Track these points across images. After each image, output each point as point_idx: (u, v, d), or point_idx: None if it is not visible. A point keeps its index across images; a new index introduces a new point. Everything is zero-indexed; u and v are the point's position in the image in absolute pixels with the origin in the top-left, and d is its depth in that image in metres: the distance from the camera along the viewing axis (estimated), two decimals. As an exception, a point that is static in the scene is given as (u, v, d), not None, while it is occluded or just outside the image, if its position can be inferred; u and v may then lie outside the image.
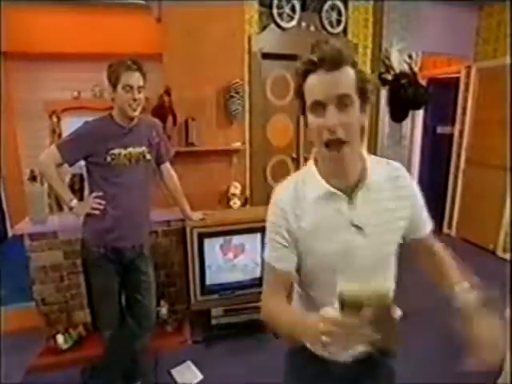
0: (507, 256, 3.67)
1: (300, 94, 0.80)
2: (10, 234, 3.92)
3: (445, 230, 4.46)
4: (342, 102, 0.74)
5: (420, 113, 4.74)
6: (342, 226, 0.84)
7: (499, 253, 3.74)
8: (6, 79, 3.82)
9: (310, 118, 0.79)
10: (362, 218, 0.84)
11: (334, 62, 0.73)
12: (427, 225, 0.95)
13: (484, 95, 3.89)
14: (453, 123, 4.30)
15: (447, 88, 4.35)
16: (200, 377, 2.10)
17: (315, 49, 0.76)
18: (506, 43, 3.54)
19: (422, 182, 4.94)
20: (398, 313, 0.89)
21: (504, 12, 3.54)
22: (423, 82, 4.53)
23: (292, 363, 1.05)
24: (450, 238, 4.33)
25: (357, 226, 0.83)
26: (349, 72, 0.75)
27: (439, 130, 4.64)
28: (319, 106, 0.76)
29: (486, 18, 3.75)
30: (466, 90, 4.08)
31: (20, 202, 3.88)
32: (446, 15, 3.62)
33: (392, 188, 0.87)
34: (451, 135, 4.32)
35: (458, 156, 4.26)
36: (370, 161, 0.86)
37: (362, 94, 0.77)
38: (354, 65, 0.76)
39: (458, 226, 4.32)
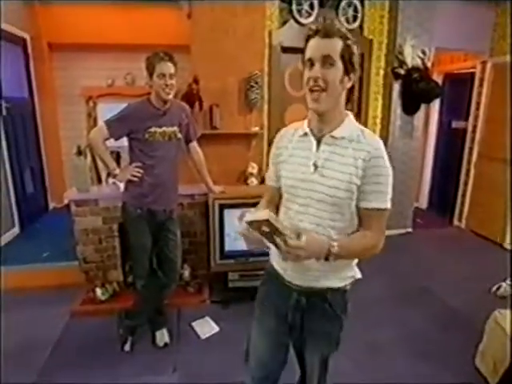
0: (514, 248, 3.78)
1: (303, 55, 1.03)
2: (50, 206, 4.34)
3: (455, 222, 4.57)
4: (326, 61, 0.97)
5: (436, 107, 4.85)
6: (306, 162, 1.08)
7: (507, 245, 3.83)
8: (49, 67, 4.20)
9: (305, 72, 1.02)
10: (321, 160, 1.05)
11: (326, 32, 0.97)
12: (374, 200, 1.04)
13: (498, 91, 3.93)
14: (467, 118, 4.35)
15: (463, 83, 4.41)
16: (216, 329, 2.42)
17: (319, 22, 1.04)
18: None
19: (435, 175, 5.06)
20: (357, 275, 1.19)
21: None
22: (439, 77, 4.65)
23: (262, 280, 1.33)
24: (460, 229, 4.44)
25: (316, 165, 1.06)
26: (337, 42, 0.98)
27: (454, 124, 4.69)
28: (310, 63, 1.00)
29: (502, 15, 3.82)
30: (481, 85, 4.13)
31: (59, 177, 4.31)
32: (462, 11, 3.71)
33: (352, 148, 1.03)
34: (465, 130, 4.38)
35: (471, 150, 4.32)
36: (349, 122, 1.07)
37: (346, 62, 0.99)
38: (344, 39, 0.98)
39: (467, 218, 4.41)
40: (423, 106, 3.83)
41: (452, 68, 4.61)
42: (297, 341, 1.25)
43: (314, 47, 0.99)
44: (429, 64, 3.66)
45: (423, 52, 3.59)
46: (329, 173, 1.04)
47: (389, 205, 1.06)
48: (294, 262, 1.01)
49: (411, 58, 3.54)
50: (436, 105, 4.79)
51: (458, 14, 3.71)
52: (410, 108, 3.75)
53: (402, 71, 3.54)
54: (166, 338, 2.25)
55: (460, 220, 4.52)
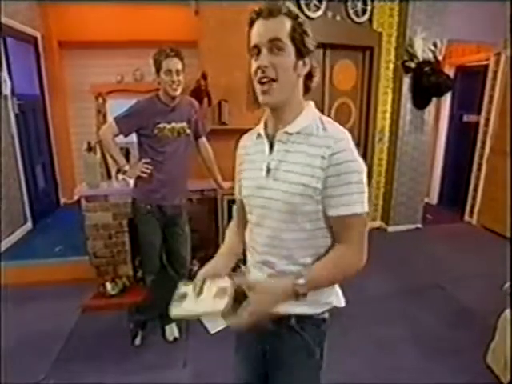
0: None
1: (249, 43, 0.88)
2: (61, 201, 4.41)
3: (466, 217, 4.51)
4: (274, 45, 0.81)
5: (447, 101, 4.77)
6: (261, 166, 0.92)
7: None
8: (60, 65, 4.24)
9: (252, 62, 0.86)
10: (274, 162, 0.90)
11: (269, 11, 0.82)
12: (344, 205, 0.84)
13: (512, 83, 3.87)
14: (479, 112, 4.27)
15: (475, 76, 4.32)
16: (224, 324, 2.44)
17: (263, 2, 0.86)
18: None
19: (446, 170, 4.99)
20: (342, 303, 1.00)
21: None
22: (451, 70, 4.56)
23: None
24: (471, 225, 4.38)
25: (268, 168, 0.90)
26: (284, 21, 0.82)
27: (465, 118, 4.62)
28: (256, 50, 0.84)
29: (509, 9, 3.71)
30: (494, 78, 4.03)
31: (69, 173, 4.37)
32: (475, 2, 3.62)
33: (309, 143, 0.86)
34: (477, 123, 4.30)
35: (483, 145, 4.24)
36: (307, 114, 0.90)
37: (298, 43, 0.83)
38: (292, 17, 0.83)
39: (479, 214, 4.34)
40: (434, 100, 3.76)
41: (464, 60, 4.52)
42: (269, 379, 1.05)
43: (259, 31, 0.83)
44: (440, 57, 3.59)
45: (434, 44, 3.53)
46: (282, 175, 0.88)
47: (365, 207, 0.85)
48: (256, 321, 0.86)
49: (422, 50, 3.48)
50: (447, 98, 4.70)
51: (471, 4, 3.62)
52: (420, 102, 3.69)
53: (412, 64, 3.48)
54: (176, 333, 2.28)
55: (471, 216, 4.45)
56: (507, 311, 1.96)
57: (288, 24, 0.82)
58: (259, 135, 0.96)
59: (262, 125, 0.97)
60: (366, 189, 0.86)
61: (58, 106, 4.27)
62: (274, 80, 0.83)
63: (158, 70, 1.87)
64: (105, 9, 3.98)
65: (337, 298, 0.99)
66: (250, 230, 1.01)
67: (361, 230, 0.88)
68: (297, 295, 0.84)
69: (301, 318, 0.94)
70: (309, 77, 0.90)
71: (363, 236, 0.88)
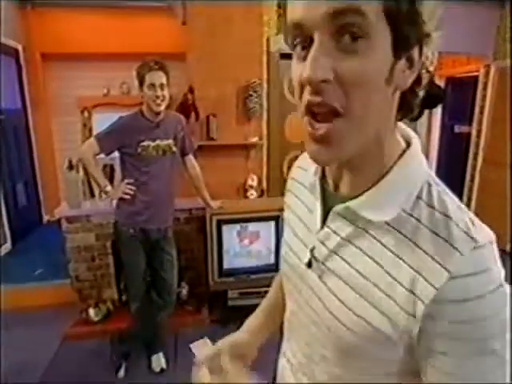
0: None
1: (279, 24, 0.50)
2: (45, 219, 4.23)
3: (460, 228, 4.47)
4: (344, 28, 0.36)
5: (438, 112, 4.77)
6: (304, 240, 0.55)
7: (514, 252, 3.74)
8: (42, 78, 4.11)
9: (292, 65, 0.43)
10: (323, 250, 0.50)
11: None
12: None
13: (503, 94, 3.87)
14: (470, 122, 4.27)
15: (465, 87, 4.34)
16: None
17: None
18: (526, 43, 3.55)
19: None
20: None
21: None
22: (441, 81, 4.56)
23: None
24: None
25: (313, 255, 0.51)
26: None
27: (456, 129, 4.63)
28: (303, 37, 0.39)
29: (506, 17, 3.75)
30: (485, 88, 4.05)
31: (53, 189, 4.21)
32: (465, 14, 3.63)
33: (391, 242, 0.44)
34: (469, 134, 4.29)
35: (475, 155, 4.23)
36: (404, 176, 0.45)
37: (402, 19, 0.38)
38: None
39: (473, 225, 4.33)
40: (425, 112, 3.72)
41: (454, 72, 4.54)
42: None
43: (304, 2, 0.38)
44: (431, 68, 3.56)
45: (425, 56, 3.50)
46: (332, 283, 0.49)
47: None
48: None
49: (413, 62, 3.45)
50: (438, 109, 4.71)
51: (460, 16, 3.62)
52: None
53: (404, 76, 3.45)
54: (163, 363, 2.13)
55: (466, 227, 4.41)
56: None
57: None
58: (313, 185, 0.54)
59: (313, 167, 0.54)
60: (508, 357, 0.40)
61: (41, 120, 4.12)
62: (339, 114, 0.39)
63: (141, 84, 1.77)
64: (90, 20, 3.88)
65: None
66: (286, 321, 0.65)
67: None
68: None
69: None
70: (412, 90, 0.45)
71: None
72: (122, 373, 2.08)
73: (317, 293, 0.51)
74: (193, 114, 2.64)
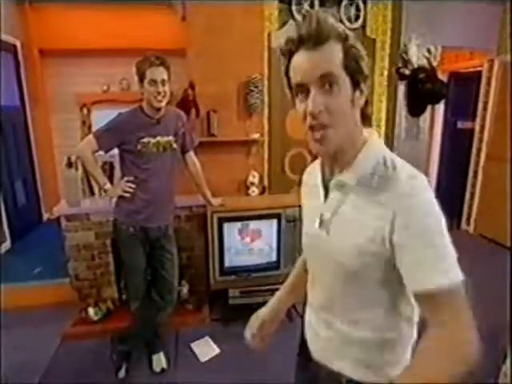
0: (525, 252, 3.65)
1: (288, 78, 0.72)
2: (44, 217, 4.20)
3: (463, 226, 4.44)
4: (326, 82, 0.65)
5: (440, 107, 4.71)
6: (315, 214, 0.80)
7: (518, 249, 3.72)
8: (41, 74, 4.07)
9: (297, 103, 0.71)
10: (327, 213, 0.76)
11: (315, 39, 0.64)
12: (421, 279, 0.64)
13: (506, 89, 3.83)
14: (473, 118, 4.24)
15: (469, 82, 4.29)
16: (217, 351, 2.27)
17: (299, 25, 0.67)
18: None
19: (441, 178, 4.92)
20: None
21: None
22: (445, 76, 4.51)
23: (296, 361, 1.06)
24: (468, 234, 4.31)
25: (321, 219, 0.77)
26: (333, 48, 0.65)
27: (459, 124, 4.58)
28: (303, 89, 0.68)
29: (509, 12, 3.70)
30: (488, 84, 4.02)
31: (53, 187, 4.18)
32: (468, 9, 3.58)
33: (365, 193, 0.71)
34: (472, 130, 4.27)
35: (478, 151, 4.21)
36: (365, 155, 0.73)
37: (354, 71, 0.67)
38: (341, 39, 0.66)
39: (476, 222, 4.29)
40: (428, 107, 3.69)
41: (457, 67, 4.49)
42: None
43: (303, 66, 0.67)
44: (435, 63, 3.52)
45: (429, 51, 3.46)
46: (335, 231, 0.75)
47: (454, 276, 0.64)
48: None
49: (416, 57, 3.41)
50: (441, 105, 4.65)
51: (464, 11, 3.59)
52: (415, 109, 3.61)
53: (407, 71, 3.40)
54: (164, 363, 2.11)
55: (468, 224, 4.39)
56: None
57: (339, 51, 0.66)
58: (316, 176, 0.83)
59: (318, 162, 0.85)
60: (451, 249, 0.65)
61: (39, 117, 4.08)
62: (328, 126, 0.68)
63: (141, 80, 1.73)
64: (88, 16, 3.84)
65: (396, 367, 0.79)
66: (308, 282, 0.91)
67: (453, 305, 0.65)
68: None
69: (349, 382, 0.80)
70: (366, 104, 0.73)
71: (460, 312, 0.65)
72: (122, 373, 2.06)
73: (325, 242, 0.77)
74: (193, 110, 2.61)
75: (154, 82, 1.70)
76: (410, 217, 0.64)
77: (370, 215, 0.68)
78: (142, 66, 1.71)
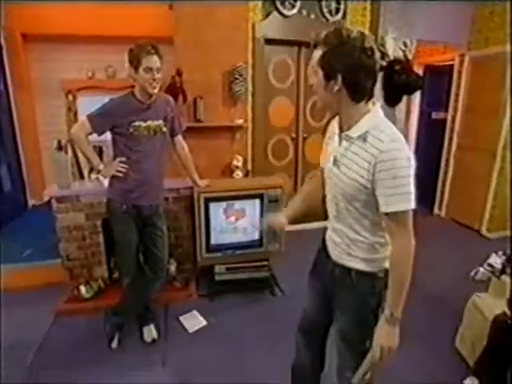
0: (491, 235, 3.94)
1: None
2: (30, 203, 4.21)
3: (436, 210, 4.70)
4: (312, 70, 1.07)
5: (416, 98, 4.94)
6: (332, 153, 1.18)
7: (484, 232, 3.99)
8: (25, 59, 4.03)
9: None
10: (339, 155, 1.13)
11: (314, 44, 1.05)
12: (384, 205, 1.02)
13: (475, 83, 4.05)
14: (447, 109, 4.46)
15: (442, 75, 4.50)
16: (204, 323, 2.43)
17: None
18: (498, 33, 3.71)
19: (417, 165, 5.13)
20: None
21: (495, 3, 3.70)
22: (420, 69, 4.72)
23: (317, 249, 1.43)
24: (441, 218, 4.58)
25: (335, 159, 1.15)
26: (318, 51, 1.03)
27: (434, 115, 4.80)
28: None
29: (480, 8, 3.91)
30: (459, 77, 4.23)
31: (38, 173, 4.19)
32: (441, 4, 3.77)
33: (362, 148, 1.05)
34: (445, 120, 4.49)
35: (450, 140, 4.43)
36: (366, 120, 1.06)
37: (326, 68, 1.02)
38: (324, 45, 1.01)
39: (447, 207, 4.56)
40: (404, 98, 3.87)
41: (432, 60, 4.69)
42: (331, 307, 1.33)
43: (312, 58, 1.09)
44: (410, 56, 3.71)
45: (405, 44, 3.64)
46: (342, 168, 1.12)
47: (412, 204, 0.99)
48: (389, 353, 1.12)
49: (393, 50, 3.59)
50: (417, 96, 4.88)
51: (437, 6, 3.77)
52: (391, 100, 3.74)
53: (384, 63, 3.56)
54: (154, 334, 2.25)
55: (440, 209, 4.65)
56: (474, 296, 2.08)
57: (319, 53, 1.03)
58: (335, 131, 1.20)
59: (337, 119, 1.21)
60: (408, 189, 0.99)
61: (24, 102, 4.05)
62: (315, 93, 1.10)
63: (136, 67, 1.80)
64: (74, 1, 3.81)
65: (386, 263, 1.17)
66: (326, 195, 1.28)
67: (401, 225, 1.03)
68: (395, 321, 1.08)
69: (359, 272, 1.18)
70: (351, 88, 1.03)
71: (404, 229, 1.04)
72: (115, 344, 2.19)
73: (336, 175, 1.14)
74: (180, 97, 2.70)
75: (150, 69, 1.79)
76: (385, 164, 0.99)
77: (362, 159, 1.04)
78: (139, 53, 1.78)
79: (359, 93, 1.04)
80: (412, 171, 0.99)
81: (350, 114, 1.07)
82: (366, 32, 1.04)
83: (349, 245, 1.18)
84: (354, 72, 1.00)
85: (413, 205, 1.00)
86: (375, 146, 1.00)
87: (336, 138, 1.17)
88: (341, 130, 1.15)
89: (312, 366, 1.52)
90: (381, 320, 1.11)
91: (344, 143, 1.11)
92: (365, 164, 1.03)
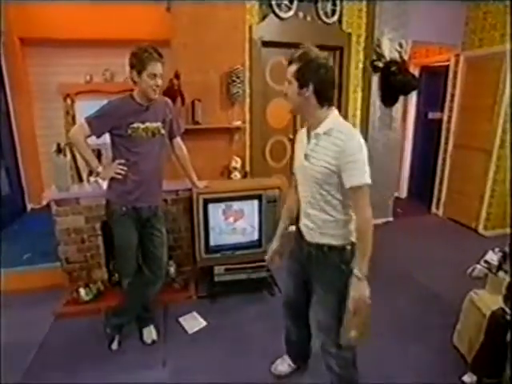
0: (487, 233, 3.96)
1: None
2: (28, 207, 4.21)
3: (433, 210, 4.73)
4: (287, 80, 1.35)
5: (413, 99, 4.98)
6: (302, 153, 1.46)
7: (480, 230, 4.02)
8: (22, 63, 4.05)
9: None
10: (309, 151, 1.41)
11: (290, 60, 1.35)
12: (348, 181, 1.30)
13: (470, 83, 4.08)
14: (442, 109, 4.50)
15: (438, 75, 4.54)
16: (204, 324, 2.44)
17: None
18: (492, 34, 3.75)
19: (414, 165, 5.20)
20: None
21: (490, 3, 3.74)
22: (416, 70, 4.77)
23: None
24: (438, 217, 4.60)
25: (306, 155, 1.42)
26: (294, 66, 1.32)
27: (430, 115, 4.84)
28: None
29: (473, 9, 3.95)
30: (455, 77, 4.26)
31: (36, 177, 4.20)
32: (436, 5, 3.81)
33: (327, 140, 1.34)
34: (441, 120, 4.53)
35: (446, 140, 4.46)
36: (329, 120, 1.36)
37: (300, 79, 1.30)
38: (300, 61, 1.30)
39: (445, 206, 4.58)
40: (401, 98, 3.92)
41: (428, 61, 4.74)
42: (311, 285, 1.58)
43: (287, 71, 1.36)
44: (406, 57, 3.75)
45: (400, 45, 3.67)
46: (313, 160, 1.39)
47: (362, 180, 1.28)
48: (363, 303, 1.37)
49: (389, 51, 3.62)
50: (413, 96, 4.92)
51: (432, 7, 3.81)
52: (388, 100, 3.84)
53: (380, 64, 3.61)
54: (154, 335, 2.26)
55: (438, 208, 4.68)
56: (471, 293, 2.10)
57: (294, 67, 1.31)
58: (303, 131, 1.49)
59: (305, 128, 1.49)
60: (364, 168, 1.28)
61: (22, 106, 4.06)
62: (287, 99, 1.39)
63: (139, 71, 1.81)
64: (71, 5, 3.82)
65: (353, 236, 1.42)
66: (299, 192, 1.55)
67: (361, 198, 1.32)
68: (363, 277, 1.34)
69: (330, 247, 1.44)
70: (318, 95, 1.32)
71: (363, 202, 1.32)
72: (115, 345, 2.19)
73: (308, 167, 1.40)
74: (178, 99, 2.72)
75: (154, 75, 1.81)
76: (347, 152, 1.28)
77: (330, 151, 1.32)
78: (144, 58, 1.78)
79: (324, 99, 1.34)
80: (365, 155, 1.29)
81: (317, 116, 1.36)
82: (325, 53, 1.34)
83: (320, 226, 1.43)
84: (321, 82, 1.30)
85: (368, 180, 1.28)
86: (339, 138, 1.30)
87: (305, 139, 1.44)
88: (308, 131, 1.42)
89: (299, 337, 1.89)
90: (352, 279, 1.36)
91: (313, 141, 1.39)
92: (332, 153, 1.31)
